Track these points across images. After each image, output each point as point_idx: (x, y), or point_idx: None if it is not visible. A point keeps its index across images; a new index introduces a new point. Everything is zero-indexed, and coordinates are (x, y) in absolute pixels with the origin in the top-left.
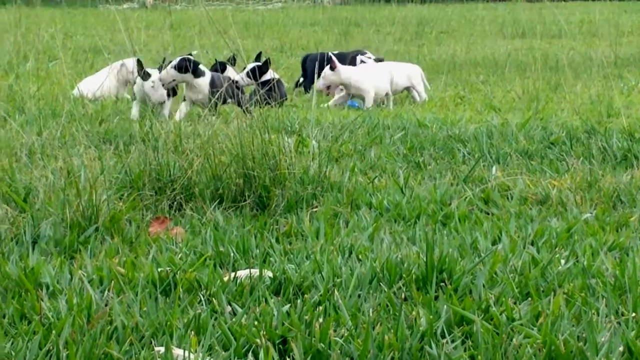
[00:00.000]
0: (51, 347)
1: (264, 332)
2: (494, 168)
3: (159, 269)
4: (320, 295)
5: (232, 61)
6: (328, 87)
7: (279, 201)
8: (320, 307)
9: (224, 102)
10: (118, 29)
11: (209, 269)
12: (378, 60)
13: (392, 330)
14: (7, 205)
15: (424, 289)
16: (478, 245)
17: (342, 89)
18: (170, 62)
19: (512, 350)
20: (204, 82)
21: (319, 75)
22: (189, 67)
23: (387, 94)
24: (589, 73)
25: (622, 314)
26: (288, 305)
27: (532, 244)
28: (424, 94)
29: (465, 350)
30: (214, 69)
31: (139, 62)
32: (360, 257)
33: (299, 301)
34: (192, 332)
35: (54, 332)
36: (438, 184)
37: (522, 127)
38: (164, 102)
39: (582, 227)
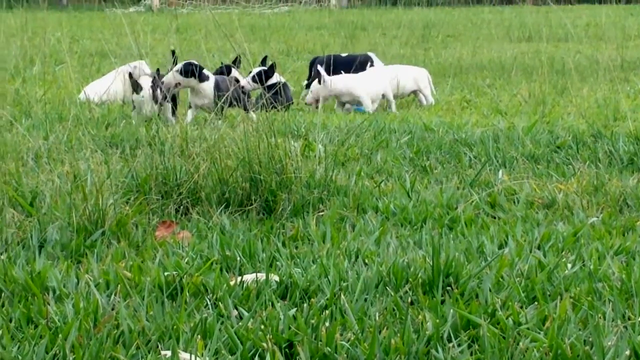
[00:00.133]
0: (58, 351)
1: (271, 336)
2: (500, 172)
3: (166, 273)
4: (327, 299)
5: (237, 63)
6: (317, 101)
7: (285, 205)
8: (327, 311)
9: (230, 104)
10: (124, 33)
11: (215, 273)
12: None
13: (398, 334)
14: (13, 209)
15: (430, 293)
16: (484, 249)
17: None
18: (177, 64)
19: (518, 354)
20: (208, 86)
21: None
22: (194, 71)
23: (384, 96)
24: (595, 77)
25: (629, 318)
26: (294, 309)
27: (539, 248)
28: (430, 98)
29: (471, 355)
30: (219, 71)
31: (131, 76)
32: (366, 261)
33: (305, 305)
34: (199, 336)
35: (60, 336)
36: (444, 188)
37: (529, 131)
38: (164, 106)
39: (589, 231)
